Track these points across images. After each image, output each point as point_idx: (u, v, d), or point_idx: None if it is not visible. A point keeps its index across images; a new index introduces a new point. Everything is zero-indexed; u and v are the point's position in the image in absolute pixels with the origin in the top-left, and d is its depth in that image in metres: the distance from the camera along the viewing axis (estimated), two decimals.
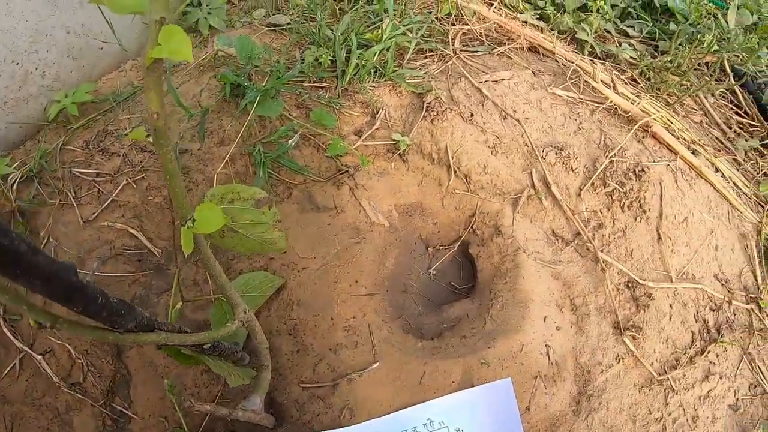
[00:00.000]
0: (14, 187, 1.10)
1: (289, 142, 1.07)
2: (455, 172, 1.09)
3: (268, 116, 1.12)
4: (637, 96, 1.29)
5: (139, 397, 1.02)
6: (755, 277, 1.29)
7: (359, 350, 0.97)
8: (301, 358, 0.99)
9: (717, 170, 1.35)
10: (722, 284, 1.22)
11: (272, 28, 1.34)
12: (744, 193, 1.39)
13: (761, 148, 1.52)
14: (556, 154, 1.12)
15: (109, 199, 1.12)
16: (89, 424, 1.00)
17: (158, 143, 0.54)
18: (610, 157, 1.16)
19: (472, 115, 1.13)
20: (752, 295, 1.26)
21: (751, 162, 1.46)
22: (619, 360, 1.05)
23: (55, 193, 1.13)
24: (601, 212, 1.12)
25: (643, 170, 1.17)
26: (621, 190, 1.13)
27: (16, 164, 1.14)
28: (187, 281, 1.07)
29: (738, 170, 1.40)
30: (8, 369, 1.06)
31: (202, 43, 1.38)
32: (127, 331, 0.57)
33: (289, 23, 1.33)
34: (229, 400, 1.02)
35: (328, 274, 1.01)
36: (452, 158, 1.09)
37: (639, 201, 1.14)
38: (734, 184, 1.37)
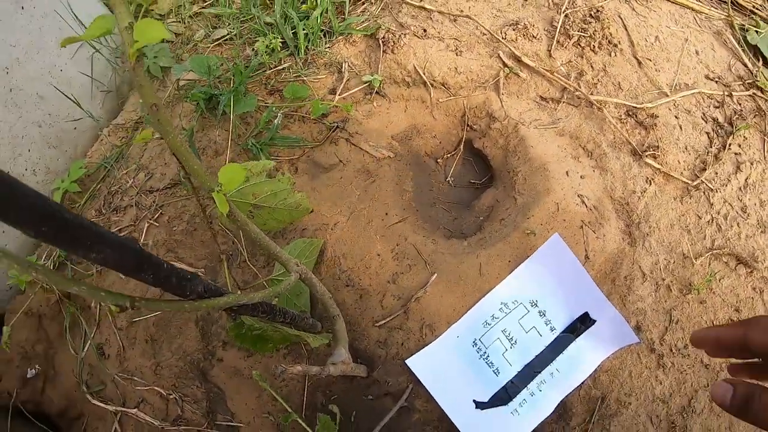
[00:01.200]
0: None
1: (275, 121, 1.13)
2: (432, 85, 1.13)
3: (247, 111, 1.18)
4: None
5: (237, 406, 1.07)
6: (744, 64, 1.31)
7: (415, 270, 1.02)
8: (365, 301, 1.04)
9: None
10: (716, 82, 1.25)
11: (217, 43, 1.40)
12: None
13: None
14: (514, 29, 1.16)
15: None
16: None
17: (164, 132, 0.57)
18: (564, 12, 1.19)
19: (425, 30, 1.17)
20: (749, 81, 1.28)
21: None
22: (650, 182, 1.09)
23: (89, 265, 1.20)
24: (576, 62, 1.15)
25: (598, 11, 1.20)
26: (585, 35, 1.17)
27: (43, 257, 1.21)
28: (237, 283, 1.13)
29: None
30: None
31: (162, 86, 1.45)
32: (200, 297, 0.60)
33: (230, 32, 1.40)
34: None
35: (359, 219, 1.06)
36: (424, 74, 1.13)
37: (607, 38, 1.18)
38: None
